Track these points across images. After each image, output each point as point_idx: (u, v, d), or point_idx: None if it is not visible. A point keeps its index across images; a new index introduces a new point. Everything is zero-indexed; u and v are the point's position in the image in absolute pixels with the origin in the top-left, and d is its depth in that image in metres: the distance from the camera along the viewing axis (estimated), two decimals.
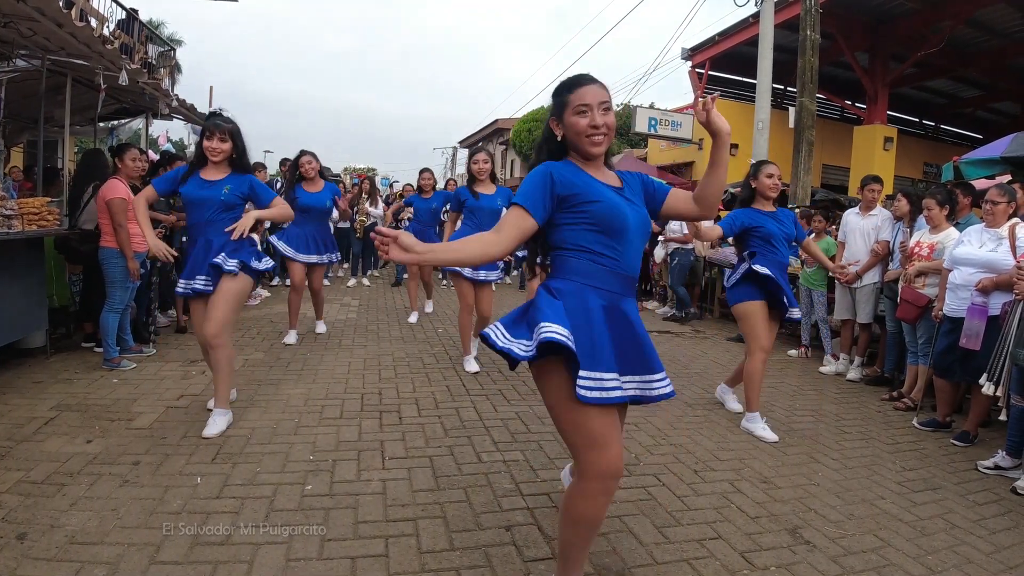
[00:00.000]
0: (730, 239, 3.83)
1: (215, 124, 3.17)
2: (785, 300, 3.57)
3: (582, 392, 1.63)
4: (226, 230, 3.16)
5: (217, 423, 3.11)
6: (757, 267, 3.54)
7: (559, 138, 1.86)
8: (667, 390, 1.83)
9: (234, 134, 3.20)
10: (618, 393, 1.68)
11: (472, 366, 4.54)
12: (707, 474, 2.96)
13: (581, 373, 1.65)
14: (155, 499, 2.40)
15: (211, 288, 3.13)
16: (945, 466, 3.28)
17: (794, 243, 3.93)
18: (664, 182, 2.04)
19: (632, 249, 1.81)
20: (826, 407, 4.25)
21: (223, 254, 3.13)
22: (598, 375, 1.66)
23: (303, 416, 3.42)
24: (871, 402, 4.44)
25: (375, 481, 2.67)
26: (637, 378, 1.79)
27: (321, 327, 5.60)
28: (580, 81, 1.82)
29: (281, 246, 5.15)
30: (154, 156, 6.84)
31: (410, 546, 2.18)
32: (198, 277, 3.14)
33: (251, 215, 3.22)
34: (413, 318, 6.42)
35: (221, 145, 3.14)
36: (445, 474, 2.78)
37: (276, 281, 8.29)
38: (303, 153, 5.26)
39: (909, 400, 4.28)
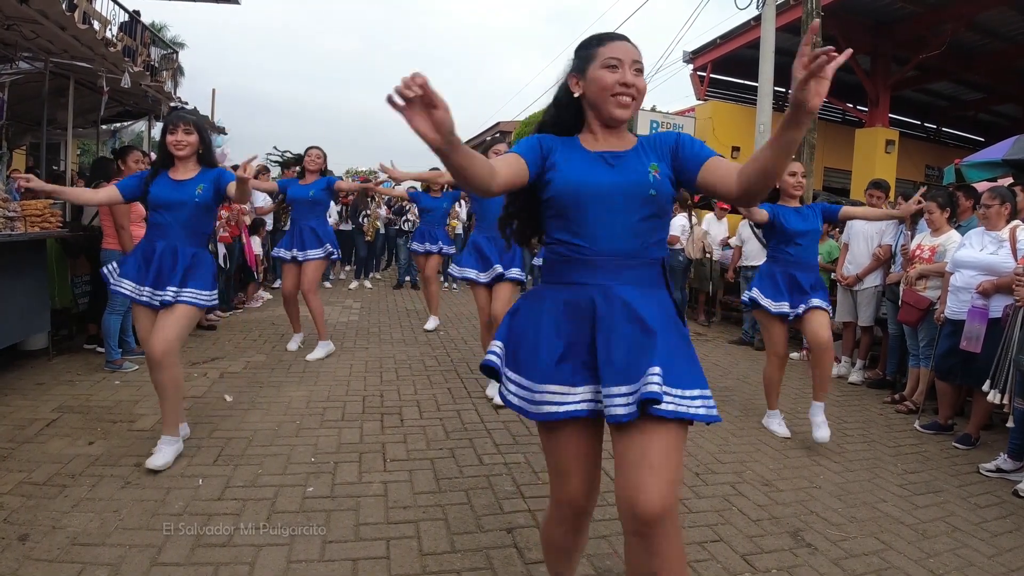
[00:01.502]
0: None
1: (179, 116, 2.92)
2: (789, 305, 3.49)
3: (510, 401, 1.52)
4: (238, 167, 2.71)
5: (163, 453, 2.68)
6: (749, 295, 3.63)
7: (576, 95, 1.56)
8: (623, 411, 1.37)
9: (199, 126, 2.94)
10: (564, 408, 1.45)
11: (493, 391, 3.80)
12: (708, 476, 2.96)
13: (507, 377, 1.53)
14: (157, 500, 2.41)
15: (171, 302, 2.73)
16: (947, 469, 3.28)
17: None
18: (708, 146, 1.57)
19: (604, 223, 1.49)
20: (828, 410, 4.20)
21: (175, 287, 2.74)
22: (537, 386, 1.48)
23: (305, 418, 3.42)
24: (873, 405, 4.43)
25: (376, 483, 2.67)
26: (593, 389, 1.47)
27: (320, 350, 4.80)
28: (612, 36, 1.56)
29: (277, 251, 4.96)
30: None
31: (411, 548, 2.18)
32: (162, 288, 2.76)
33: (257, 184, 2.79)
34: (431, 324, 6.10)
35: (187, 137, 2.86)
36: (446, 476, 2.78)
37: (278, 283, 8.29)
38: (312, 148, 5.03)
39: (911, 403, 4.28)
